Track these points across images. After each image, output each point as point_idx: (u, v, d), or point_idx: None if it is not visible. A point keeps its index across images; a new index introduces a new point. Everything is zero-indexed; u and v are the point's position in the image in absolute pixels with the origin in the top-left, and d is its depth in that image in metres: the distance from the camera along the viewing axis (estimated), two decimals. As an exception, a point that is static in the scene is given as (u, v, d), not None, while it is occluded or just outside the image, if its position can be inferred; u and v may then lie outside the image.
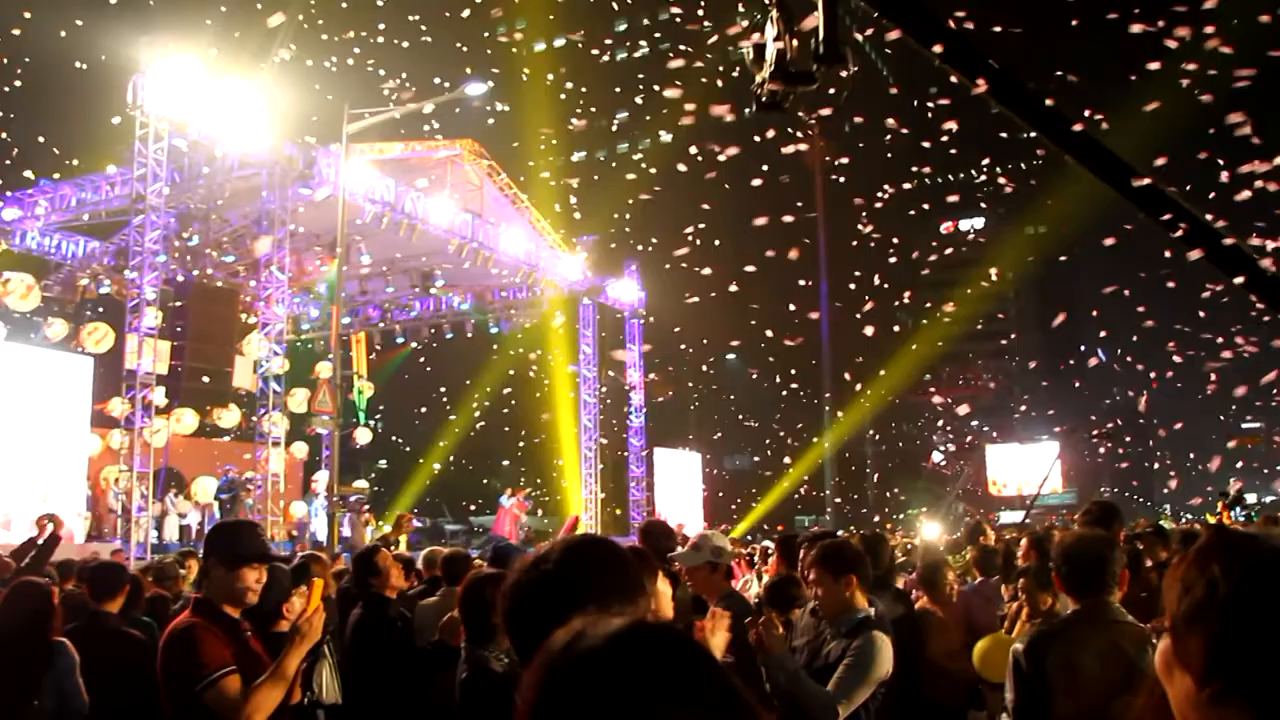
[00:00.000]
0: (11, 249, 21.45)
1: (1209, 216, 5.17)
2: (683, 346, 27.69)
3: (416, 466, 25.85)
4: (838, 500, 42.80)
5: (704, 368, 26.74)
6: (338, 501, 19.09)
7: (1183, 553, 1.21)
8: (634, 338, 28.98)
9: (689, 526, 19.68)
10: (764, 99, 5.87)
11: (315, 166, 19.44)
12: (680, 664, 1.09)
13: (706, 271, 24.32)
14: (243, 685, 3.67)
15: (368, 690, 6.00)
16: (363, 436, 24.42)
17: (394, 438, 25.33)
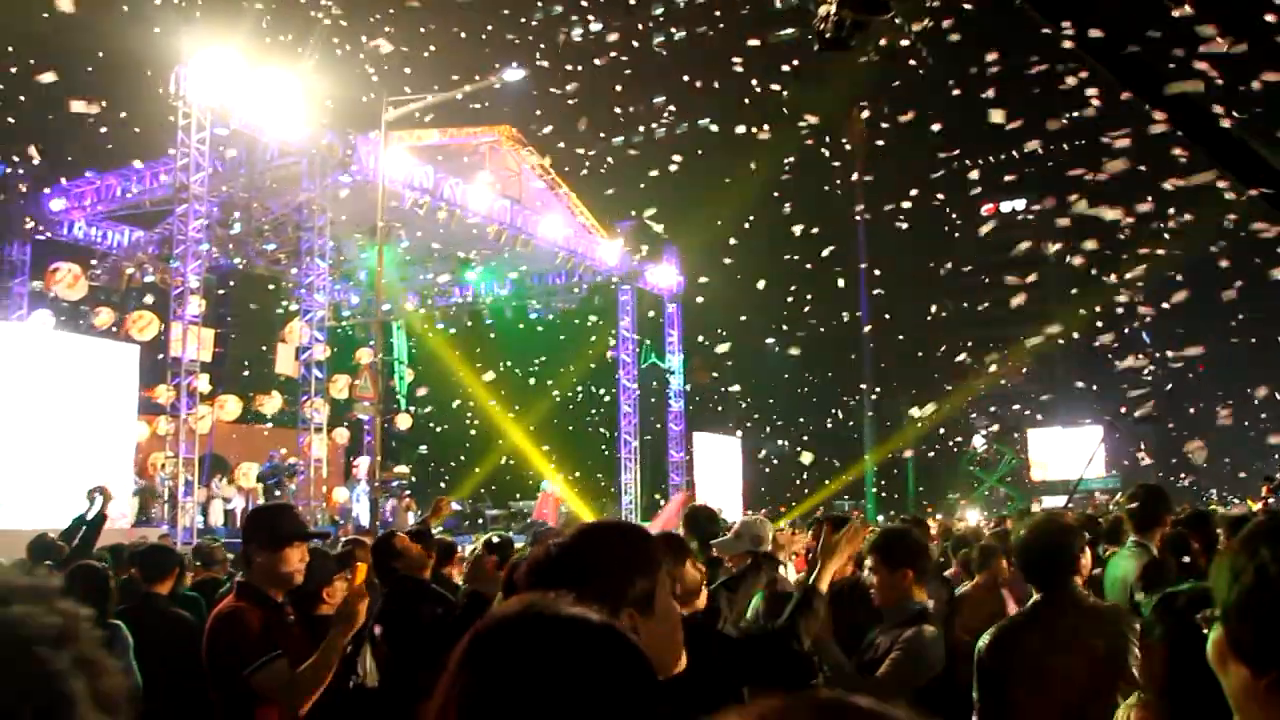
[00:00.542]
0: (59, 239, 21.78)
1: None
2: (720, 331, 27.54)
3: (457, 452, 26.01)
4: (877, 488, 42.58)
5: (744, 353, 26.64)
6: (379, 486, 19.25)
7: (1231, 539, 1.19)
8: (672, 323, 28.96)
9: (728, 512, 19.67)
10: (828, 34, 5.49)
11: (355, 154, 19.56)
12: (585, 650, 1.16)
13: (745, 255, 24.21)
14: (288, 669, 3.71)
15: (404, 674, 6.06)
16: (403, 422, 24.60)
17: (434, 424, 25.47)
